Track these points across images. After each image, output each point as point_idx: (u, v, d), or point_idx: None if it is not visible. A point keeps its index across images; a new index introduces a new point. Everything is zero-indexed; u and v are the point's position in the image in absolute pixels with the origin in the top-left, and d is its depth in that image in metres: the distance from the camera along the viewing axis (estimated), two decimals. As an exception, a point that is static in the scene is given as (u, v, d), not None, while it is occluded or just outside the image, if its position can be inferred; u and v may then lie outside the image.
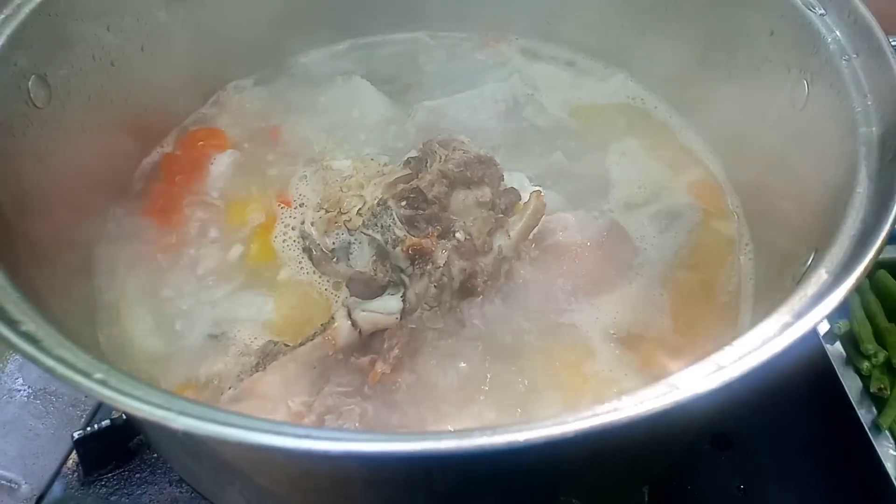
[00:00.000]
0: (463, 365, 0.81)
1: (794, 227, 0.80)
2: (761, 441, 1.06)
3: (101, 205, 0.95)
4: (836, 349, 1.04)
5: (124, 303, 0.89)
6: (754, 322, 0.81)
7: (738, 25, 0.92)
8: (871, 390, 0.97)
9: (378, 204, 0.88)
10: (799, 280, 0.61)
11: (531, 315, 0.86)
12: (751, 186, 0.95)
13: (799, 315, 0.52)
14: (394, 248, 0.81)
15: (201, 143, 1.05)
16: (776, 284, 0.78)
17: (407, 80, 1.17)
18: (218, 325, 0.87)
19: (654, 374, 0.82)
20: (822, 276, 0.57)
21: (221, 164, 1.02)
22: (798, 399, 1.07)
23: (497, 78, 1.16)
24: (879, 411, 0.93)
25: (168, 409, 0.49)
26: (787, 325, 0.52)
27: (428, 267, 0.79)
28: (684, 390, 0.48)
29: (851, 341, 1.02)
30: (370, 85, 1.13)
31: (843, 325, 1.03)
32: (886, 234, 0.55)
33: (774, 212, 0.88)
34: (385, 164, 1.02)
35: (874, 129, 0.66)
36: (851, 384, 0.99)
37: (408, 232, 0.82)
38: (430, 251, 0.79)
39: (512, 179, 0.98)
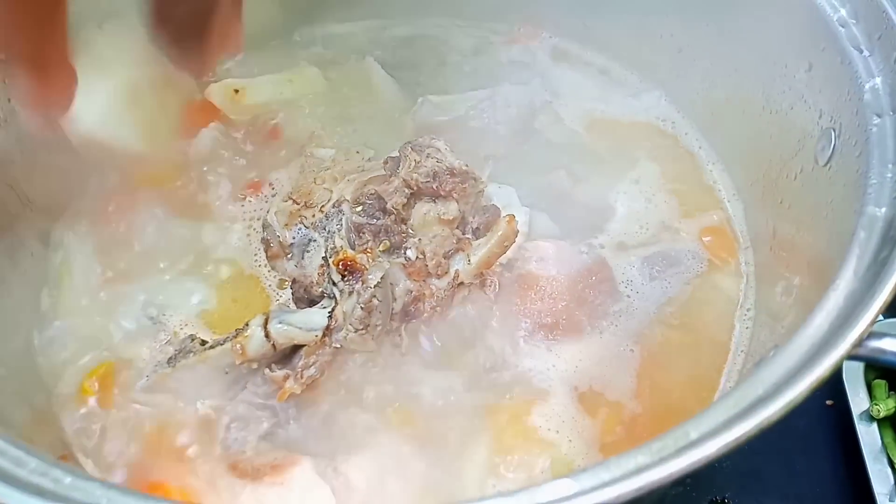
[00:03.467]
0: (390, 395, 0.74)
1: (791, 302, 0.67)
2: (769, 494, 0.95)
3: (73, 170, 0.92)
4: (870, 432, 0.93)
5: (70, 269, 0.87)
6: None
7: (778, 53, 0.78)
8: None
9: (334, 205, 0.82)
10: (742, 378, 0.50)
11: (480, 350, 0.78)
12: (766, 243, 0.81)
13: (700, 439, 0.41)
14: (329, 258, 0.74)
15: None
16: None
17: (423, 68, 1.08)
18: (154, 306, 0.83)
19: (601, 445, 0.73)
20: (765, 380, 0.46)
21: (204, 140, 0.98)
22: (819, 477, 0.97)
23: (517, 80, 1.05)
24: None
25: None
26: (687, 447, 0.41)
27: (357, 286, 0.72)
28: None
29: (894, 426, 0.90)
30: (381, 69, 1.05)
31: (884, 407, 0.91)
32: (839, 358, 0.43)
33: (782, 277, 0.75)
34: (368, 160, 0.95)
35: (883, 210, 0.52)
36: (880, 476, 0.88)
37: (350, 242, 0.75)
38: (363, 269, 0.72)
39: (500, 194, 0.89)
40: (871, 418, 0.95)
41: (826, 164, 0.67)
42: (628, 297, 0.82)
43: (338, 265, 0.72)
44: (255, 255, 0.88)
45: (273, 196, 0.93)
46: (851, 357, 0.44)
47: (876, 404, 0.92)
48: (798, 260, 0.70)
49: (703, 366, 0.76)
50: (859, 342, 0.44)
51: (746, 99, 0.86)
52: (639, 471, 0.40)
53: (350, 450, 0.72)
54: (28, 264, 0.85)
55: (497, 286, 0.81)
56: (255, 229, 0.90)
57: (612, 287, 0.82)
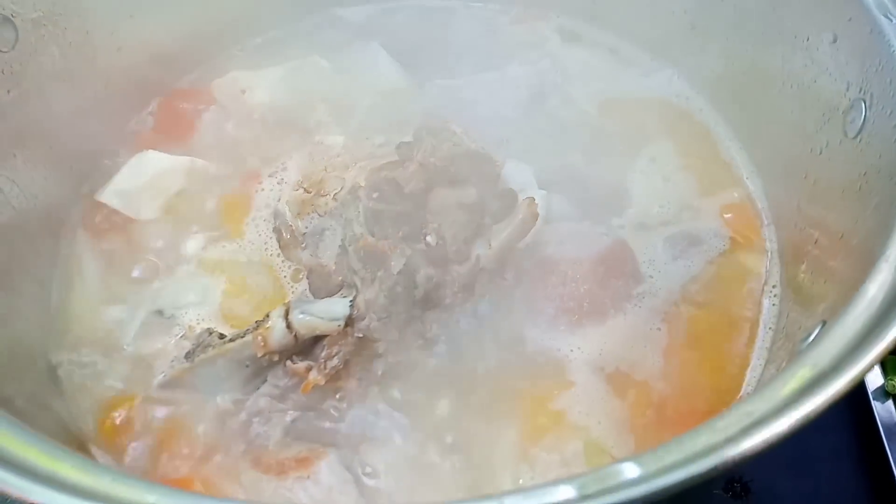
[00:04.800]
0: (412, 383, 0.73)
1: (827, 279, 0.66)
2: (786, 494, 0.95)
3: (74, 166, 0.90)
4: (885, 408, 0.92)
5: (80, 268, 0.84)
6: (761, 384, 0.70)
7: (799, 25, 0.76)
8: None
9: (349, 192, 0.80)
10: (798, 354, 0.49)
11: (503, 335, 0.76)
12: (791, 219, 0.80)
13: (763, 418, 0.40)
14: (349, 245, 0.72)
15: (187, 105, 0.98)
16: (790, 346, 0.65)
17: (429, 52, 1.06)
18: (168, 301, 0.81)
19: (632, 426, 0.71)
20: (824, 354, 0.45)
21: (208, 129, 0.96)
22: (835, 453, 0.95)
23: (526, 60, 1.04)
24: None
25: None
26: (752, 426, 0.40)
27: (380, 273, 0.70)
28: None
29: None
30: (387, 54, 1.03)
31: (896, 383, 0.89)
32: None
33: (810, 254, 0.74)
34: (379, 146, 0.93)
35: (928, 178, 0.51)
36: None
37: (369, 229, 0.73)
38: (385, 255, 0.70)
39: (517, 177, 0.87)
40: (886, 394, 0.95)
41: (856, 136, 0.65)
42: (651, 277, 0.80)
43: (359, 252, 0.70)
44: (266, 244, 0.86)
45: (280, 184, 0.91)
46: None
47: (891, 380, 0.91)
48: (829, 235, 0.69)
49: (732, 344, 0.75)
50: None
51: (764, 75, 0.84)
52: (707, 451, 0.38)
53: (374, 441, 0.70)
54: (35, 263, 0.82)
55: (517, 271, 0.79)
56: (264, 219, 0.88)
57: (634, 268, 0.81)
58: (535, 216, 0.78)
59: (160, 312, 0.81)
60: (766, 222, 0.85)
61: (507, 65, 1.02)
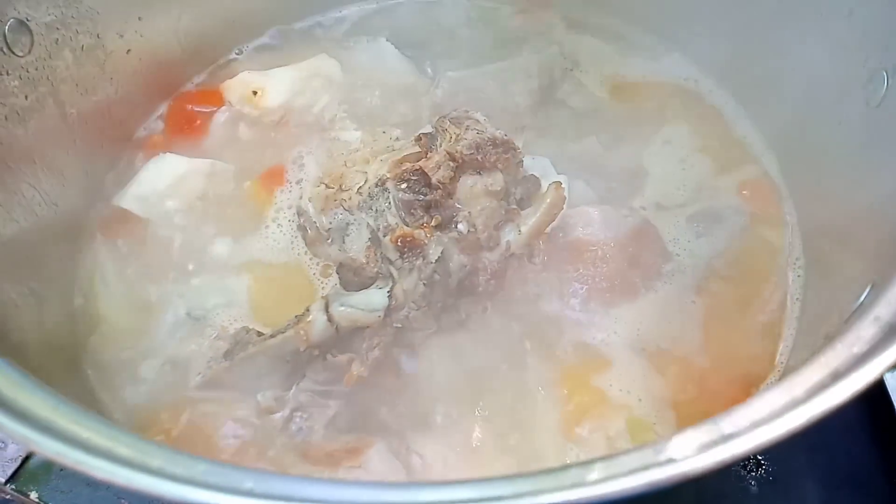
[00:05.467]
0: (453, 373, 0.73)
1: (854, 247, 0.68)
2: (802, 469, 0.96)
3: (89, 170, 0.89)
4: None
5: (103, 274, 0.83)
6: (795, 353, 0.71)
7: (810, 3, 0.78)
8: None
9: (377, 184, 0.80)
10: (847, 319, 0.50)
11: (536, 318, 0.77)
12: (810, 191, 0.82)
13: (837, 375, 0.41)
14: (384, 236, 0.72)
15: (197, 107, 0.98)
16: (824, 313, 0.66)
17: (436, 45, 1.06)
18: (197, 303, 0.80)
19: (674, 403, 0.72)
20: (875, 321, 0.46)
21: (220, 129, 0.95)
22: (847, 425, 0.96)
23: (534, 49, 1.04)
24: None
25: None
26: (820, 388, 0.41)
27: (418, 262, 0.70)
28: (679, 464, 0.38)
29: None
30: (395, 49, 1.03)
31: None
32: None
33: (834, 225, 0.75)
34: (397, 139, 0.93)
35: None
36: None
37: (402, 219, 0.73)
38: (422, 244, 0.70)
39: (535, 165, 0.87)
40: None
41: (879, 105, 0.67)
42: (678, 255, 0.82)
43: (396, 242, 0.70)
44: (292, 242, 0.85)
45: (300, 182, 0.91)
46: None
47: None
48: (854, 204, 0.70)
49: (763, 315, 0.77)
50: None
51: (774, 53, 0.86)
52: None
53: (419, 427, 0.71)
54: (58, 270, 0.81)
55: (545, 255, 0.80)
56: (287, 218, 0.88)
57: (661, 247, 0.82)
58: (563, 200, 0.79)
59: (189, 315, 0.81)
60: (784, 196, 0.87)
61: (516, 54, 1.03)
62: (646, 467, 0.38)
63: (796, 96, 0.85)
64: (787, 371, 0.69)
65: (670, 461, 0.38)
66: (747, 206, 0.85)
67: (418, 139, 0.85)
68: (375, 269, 0.73)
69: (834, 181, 0.77)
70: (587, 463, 0.39)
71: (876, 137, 0.67)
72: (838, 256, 0.72)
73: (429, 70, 1.02)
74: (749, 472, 0.95)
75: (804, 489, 0.93)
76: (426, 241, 0.70)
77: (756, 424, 0.39)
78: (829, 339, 0.44)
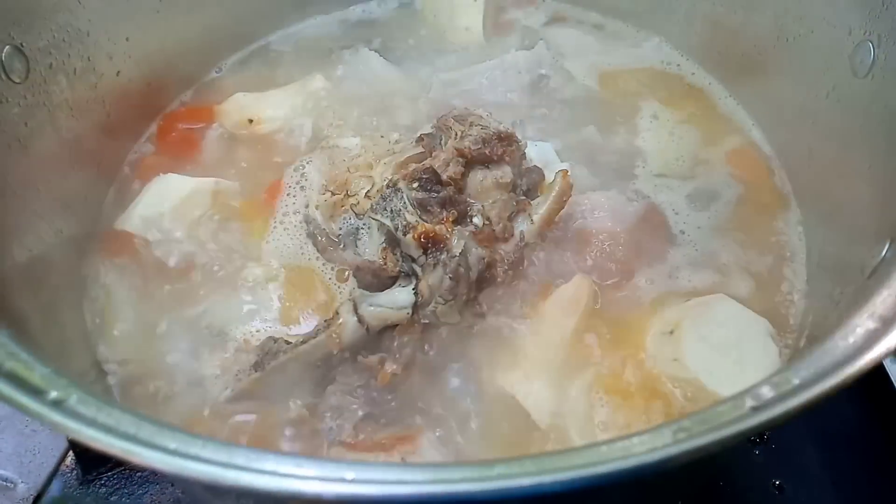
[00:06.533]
0: (475, 360, 0.74)
1: (858, 208, 0.71)
2: (799, 433, 0.99)
3: (88, 195, 0.88)
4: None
5: (112, 298, 0.82)
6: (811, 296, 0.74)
7: (792, -20, 0.81)
8: None
9: (387, 186, 0.80)
10: (872, 274, 0.53)
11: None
12: (802, 162, 0.85)
13: (886, 321, 0.43)
14: (404, 235, 0.73)
15: (187, 126, 0.97)
16: (838, 272, 0.69)
17: (420, 49, 1.08)
18: (213, 319, 0.80)
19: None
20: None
21: (213, 146, 0.95)
22: (843, 407, 0.99)
23: (519, 46, 1.07)
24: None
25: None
26: (874, 336, 0.43)
27: (442, 256, 0.71)
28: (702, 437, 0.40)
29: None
30: (379, 56, 1.04)
31: None
32: None
33: (832, 190, 0.79)
34: (396, 142, 0.94)
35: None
36: None
37: (420, 217, 0.74)
38: (445, 239, 0.71)
39: (537, 152, 0.89)
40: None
41: (867, 75, 0.70)
42: (682, 232, 0.84)
43: (419, 238, 0.71)
44: (302, 250, 0.85)
45: (304, 190, 0.91)
46: None
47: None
48: (851, 169, 0.73)
49: (773, 276, 0.80)
50: None
51: (755, 33, 0.90)
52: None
53: (460, 416, 0.71)
54: (69, 294, 0.80)
55: (557, 244, 0.82)
56: (294, 226, 0.87)
57: (666, 233, 0.84)
58: (571, 187, 0.81)
59: (207, 331, 0.80)
60: (776, 167, 0.90)
61: (503, 52, 1.05)
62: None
63: (781, 73, 0.88)
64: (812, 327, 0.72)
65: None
66: (741, 176, 0.89)
67: (420, 140, 0.86)
68: (397, 269, 0.74)
69: (825, 149, 0.80)
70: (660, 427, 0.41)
71: (867, 105, 0.71)
72: (842, 219, 0.75)
73: (418, 74, 1.03)
74: (752, 443, 0.98)
75: (804, 453, 0.97)
76: (448, 236, 0.71)
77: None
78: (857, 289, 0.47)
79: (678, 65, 1.03)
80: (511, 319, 0.77)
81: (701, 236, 0.83)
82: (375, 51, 1.07)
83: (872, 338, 0.43)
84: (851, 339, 0.43)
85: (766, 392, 0.41)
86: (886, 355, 0.41)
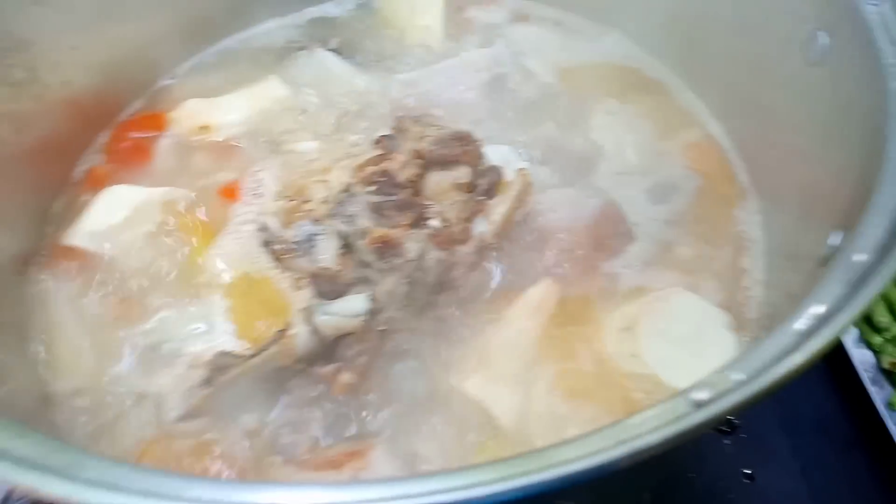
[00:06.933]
0: (432, 367, 0.73)
1: (814, 197, 0.70)
2: (767, 422, 1.01)
3: (33, 211, 0.86)
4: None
5: (57, 317, 0.80)
6: (770, 287, 0.73)
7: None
8: (883, 366, 0.94)
9: (343, 190, 0.79)
10: (825, 262, 0.52)
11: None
12: (762, 151, 0.85)
13: (833, 309, 0.43)
14: (359, 240, 0.71)
15: (139, 134, 0.95)
16: (795, 262, 0.69)
17: (379, 49, 1.06)
18: (163, 335, 0.77)
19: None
20: (856, 258, 0.48)
21: (166, 154, 0.92)
22: (806, 376, 1.04)
23: (479, 44, 1.05)
24: (894, 388, 0.91)
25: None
26: (822, 322, 0.43)
27: (398, 261, 0.70)
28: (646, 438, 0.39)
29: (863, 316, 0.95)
30: (335, 57, 1.02)
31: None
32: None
33: (789, 180, 0.78)
34: (355, 145, 0.92)
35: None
36: (863, 360, 0.96)
37: (375, 221, 0.73)
38: (400, 243, 0.70)
39: (496, 154, 0.88)
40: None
41: (821, 63, 0.70)
42: (640, 226, 0.83)
43: (373, 244, 0.70)
44: (256, 259, 0.83)
45: (259, 198, 0.89)
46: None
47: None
48: (806, 158, 0.73)
49: (729, 267, 0.79)
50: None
51: (712, 25, 0.89)
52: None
53: (414, 428, 0.70)
54: (9, 318, 0.78)
55: (517, 244, 0.81)
56: (248, 234, 0.85)
57: (625, 228, 0.83)
58: (530, 186, 0.80)
59: (156, 348, 0.77)
60: (734, 158, 0.89)
61: (463, 50, 1.04)
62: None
63: (737, 62, 0.88)
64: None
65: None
66: (698, 169, 0.88)
67: (378, 142, 0.85)
68: (352, 276, 0.72)
69: (782, 140, 0.80)
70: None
71: (817, 93, 0.70)
72: (797, 209, 0.74)
73: (376, 74, 1.02)
74: (721, 434, 0.99)
75: (773, 441, 0.99)
76: (403, 240, 0.70)
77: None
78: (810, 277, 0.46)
79: (637, 58, 1.03)
80: (473, 322, 0.75)
81: (659, 230, 0.83)
82: (333, 51, 1.05)
83: (820, 324, 0.42)
84: (799, 327, 0.42)
85: (705, 392, 0.40)
86: (831, 343, 0.41)
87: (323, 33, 1.09)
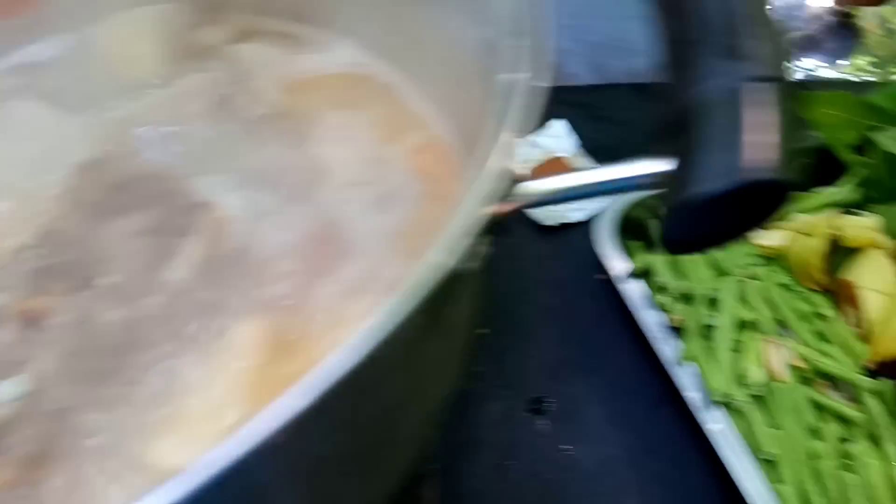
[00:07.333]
0: (133, 437, 0.66)
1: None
2: (580, 395, 1.03)
3: None
4: (635, 286, 1.05)
5: None
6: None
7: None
8: (672, 325, 0.99)
9: (13, 255, 0.71)
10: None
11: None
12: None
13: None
14: (3, 319, 0.64)
15: None
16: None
17: (91, 88, 0.97)
18: None
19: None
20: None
21: None
22: (608, 345, 1.08)
23: (200, 69, 0.99)
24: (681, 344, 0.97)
25: None
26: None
27: (49, 335, 0.63)
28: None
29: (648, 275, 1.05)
30: (34, 104, 0.93)
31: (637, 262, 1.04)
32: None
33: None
34: (56, 197, 0.84)
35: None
36: (656, 320, 0.99)
37: (31, 291, 0.65)
38: (49, 314, 0.63)
39: (206, 187, 0.82)
40: (637, 276, 1.05)
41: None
42: (359, 243, 0.79)
43: (18, 319, 0.62)
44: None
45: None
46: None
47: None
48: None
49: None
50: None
51: (429, 27, 0.87)
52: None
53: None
54: None
55: (225, 280, 0.75)
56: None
57: (343, 246, 0.79)
58: (226, 220, 0.74)
59: None
60: (462, 156, 0.87)
61: (182, 77, 0.97)
62: None
63: (453, 63, 0.85)
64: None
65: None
66: (420, 173, 0.85)
67: (66, 192, 0.77)
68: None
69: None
70: None
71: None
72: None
73: (86, 116, 0.93)
74: (535, 415, 1.00)
75: (589, 412, 1.01)
76: (52, 309, 0.63)
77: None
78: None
79: (368, 65, 0.99)
80: (170, 377, 0.69)
81: (379, 245, 0.79)
82: (39, 97, 0.95)
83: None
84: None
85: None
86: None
87: (27, 80, 0.99)
